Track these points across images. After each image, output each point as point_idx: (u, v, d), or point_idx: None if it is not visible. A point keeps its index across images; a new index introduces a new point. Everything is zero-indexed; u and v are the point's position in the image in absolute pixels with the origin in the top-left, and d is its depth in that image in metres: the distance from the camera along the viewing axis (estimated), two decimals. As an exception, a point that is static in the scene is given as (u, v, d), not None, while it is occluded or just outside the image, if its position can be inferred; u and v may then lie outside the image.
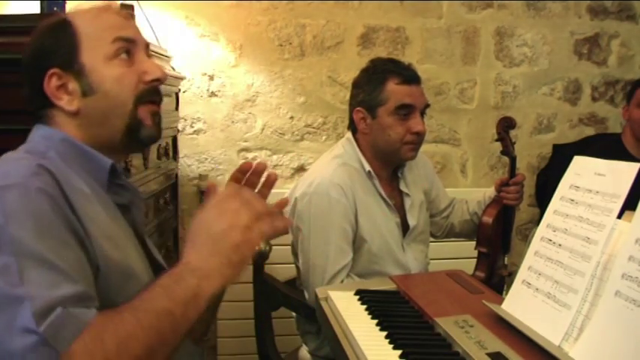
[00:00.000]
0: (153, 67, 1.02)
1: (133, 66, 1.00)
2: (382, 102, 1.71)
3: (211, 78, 2.56)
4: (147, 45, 1.05)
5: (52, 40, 0.98)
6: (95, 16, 1.00)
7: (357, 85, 1.79)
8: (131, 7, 2.17)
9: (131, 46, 1.01)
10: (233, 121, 2.59)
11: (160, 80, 1.03)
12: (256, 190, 1.12)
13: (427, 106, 1.76)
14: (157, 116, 1.04)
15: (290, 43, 2.59)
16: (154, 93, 1.04)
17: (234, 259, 0.86)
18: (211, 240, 0.86)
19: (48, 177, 0.86)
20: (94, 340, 0.75)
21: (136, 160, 1.75)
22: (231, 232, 0.86)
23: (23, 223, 0.79)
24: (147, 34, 2.28)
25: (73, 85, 0.97)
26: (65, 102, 0.97)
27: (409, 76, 1.73)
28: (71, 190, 0.88)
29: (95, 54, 0.97)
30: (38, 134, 0.98)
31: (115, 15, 1.02)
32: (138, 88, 1.00)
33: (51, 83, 0.97)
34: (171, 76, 2.23)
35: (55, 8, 1.67)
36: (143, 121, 1.01)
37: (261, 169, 1.10)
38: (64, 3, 1.73)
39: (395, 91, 1.70)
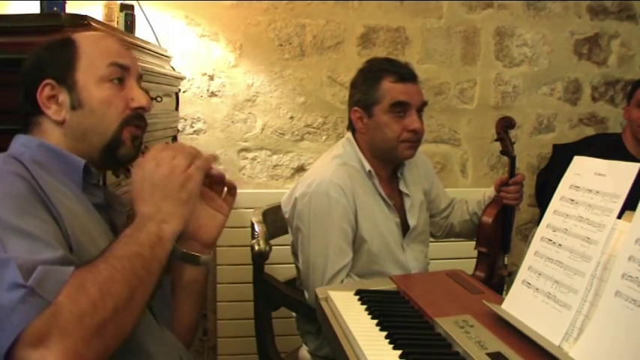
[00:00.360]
0: (140, 96, 1.10)
1: (122, 91, 1.08)
2: (378, 100, 1.71)
3: (211, 78, 2.57)
4: (140, 76, 1.14)
5: (53, 53, 1.06)
6: (98, 40, 1.09)
7: (353, 85, 1.80)
8: (131, 7, 2.18)
9: (124, 73, 1.09)
10: (233, 121, 2.59)
11: (144, 109, 1.11)
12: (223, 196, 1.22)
13: (424, 104, 1.76)
14: (137, 140, 1.12)
15: (290, 43, 2.59)
16: (139, 118, 1.11)
17: (183, 197, 0.98)
18: (157, 188, 0.97)
19: (20, 166, 0.92)
20: (77, 289, 0.79)
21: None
22: (172, 175, 0.97)
23: (1, 202, 0.85)
24: (147, 34, 2.29)
25: (63, 97, 1.04)
26: (53, 111, 1.04)
27: (404, 74, 1.73)
28: (44, 183, 0.93)
29: (89, 73, 1.05)
30: (18, 143, 1.04)
31: (116, 42, 1.11)
32: (124, 113, 1.08)
33: (44, 92, 1.04)
34: (171, 76, 2.23)
35: (55, 8, 1.67)
36: (124, 141, 1.08)
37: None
38: (64, 3, 1.73)
39: (390, 89, 1.70)
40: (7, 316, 0.75)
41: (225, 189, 1.21)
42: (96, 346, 0.78)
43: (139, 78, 1.14)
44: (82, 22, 1.41)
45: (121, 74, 1.08)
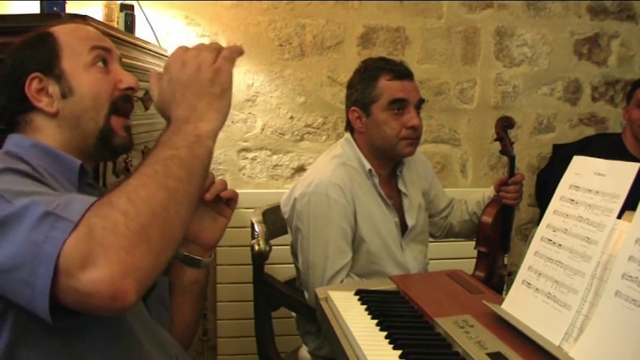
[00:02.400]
0: (127, 77, 1.09)
1: (109, 74, 1.07)
2: (375, 99, 1.71)
3: (211, 78, 2.56)
4: (120, 58, 1.13)
5: (33, 48, 1.04)
6: (74, 29, 1.08)
7: (350, 85, 1.80)
8: (131, 7, 2.18)
9: (107, 55, 1.08)
10: (233, 121, 2.59)
11: (133, 89, 1.09)
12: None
13: (422, 101, 1.76)
14: (128, 129, 1.10)
15: (290, 43, 2.59)
16: (127, 100, 1.09)
17: (216, 91, 0.91)
18: (188, 87, 0.90)
19: (20, 161, 0.91)
20: (104, 205, 0.76)
21: (136, 160, 1.75)
22: (200, 71, 0.91)
23: (2, 180, 0.83)
24: (147, 34, 2.29)
25: (53, 87, 1.03)
26: (45, 104, 1.02)
27: (401, 71, 1.73)
28: (42, 177, 0.92)
29: (75, 61, 1.04)
30: (10, 142, 1.03)
31: (91, 29, 1.10)
32: (113, 95, 1.06)
33: (32, 86, 1.02)
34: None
35: (55, 8, 1.67)
36: (116, 131, 1.06)
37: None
38: (64, 3, 1.73)
39: (387, 86, 1.71)
40: (41, 249, 0.73)
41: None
42: (143, 252, 0.74)
43: (120, 60, 1.13)
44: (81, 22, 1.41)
45: (104, 56, 1.06)
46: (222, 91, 0.91)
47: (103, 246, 0.72)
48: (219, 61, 0.93)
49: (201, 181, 0.87)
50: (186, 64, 0.92)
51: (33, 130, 1.03)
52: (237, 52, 0.97)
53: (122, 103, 1.07)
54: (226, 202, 1.20)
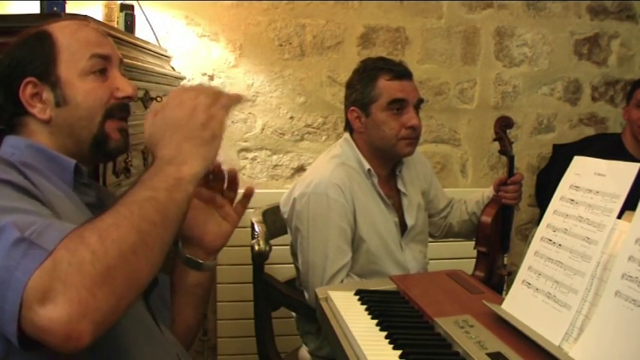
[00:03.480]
0: (125, 85, 1.06)
1: (107, 82, 1.05)
2: (374, 99, 1.71)
3: (211, 78, 2.57)
4: (121, 61, 1.10)
5: (30, 50, 1.02)
6: (74, 31, 1.04)
7: (349, 85, 1.80)
8: (131, 7, 2.18)
9: (106, 63, 1.05)
10: (233, 121, 2.59)
11: (131, 98, 1.07)
12: (225, 184, 1.19)
13: (421, 100, 1.77)
14: (123, 131, 1.08)
15: (290, 43, 2.59)
16: (123, 109, 1.08)
17: (205, 136, 0.90)
18: (178, 129, 0.89)
19: (12, 170, 0.90)
20: (75, 239, 0.75)
21: (136, 160, 1.75)
22: (194, 114, 0.90)
23: None
24: (147, 34, 2.29)
25: (47, 94, 1.01)
26: (38, 110, 1.01)
27: (400, 71, 1.73)
28: (37, 184, 0.91)
29: (71, 67, 1.01)
30: (7, 144, 1.02)
31: (92, 31, 1.07)
32: (108, 103, 1.04)
33: (26, 91, 1.00)
34: (171, 76, 2.23)
35: (55, 8, 1.67)
36: (110, 135, 1.05)
37: (217, 167, 1.15)
38: (64, 3, 1.73)
39: (386, 86, 1.71)
40: (12, 275, 0.72)
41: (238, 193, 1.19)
42: (105, 294, 0.73)
43: (121, 64, 1.10)
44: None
45: (103, 65, 1.04)
46: (211, 138, 0.90)
47: (66, 283, 0.71)
48: (215, 107, 0.92)
49: (176, 227, 0.85)
50: (183, 104, 0.91)
51: (28, 133, 1.03)
52: (236, 101, 0.97)
53: (117, 111, 1.06)
54: (235, 207, 1.19)
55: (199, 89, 0.94)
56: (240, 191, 1.22)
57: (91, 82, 1.02)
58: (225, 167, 1.18)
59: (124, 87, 1.06)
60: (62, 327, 0.70)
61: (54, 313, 0.70)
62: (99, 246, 0.74)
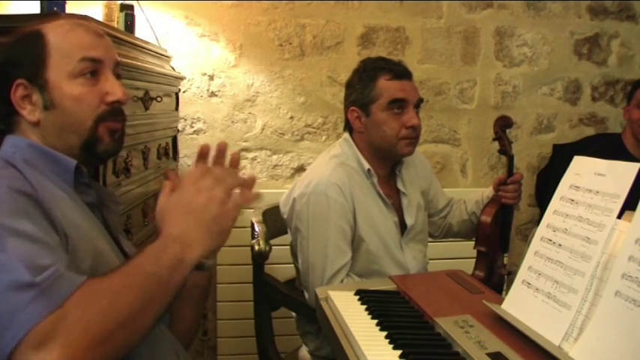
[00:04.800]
0: (115, 89, 1.05)
1: (97, 86, 1.04)
2: (375, 99, 1.71)
3: (211, 78, 2.57)
4: (116, 63, 1.09)
5: (22, 51, 1.02)
6: (68, 32, 1.03)
7: (349, 85, 1.80)
8: (131, 7, 2.18)
9: (97, 67, 1.04)
10: (233, 121, 2.59)
11: (120, 102, 1.06)
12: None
13: (421, 100, 1.77)
14: (116, 133, 1.08)
15: (290, 43, 2.59)
16: (116, 113, 1.07)
17: (214, 229, 0.94)
18: (191, 214, 0.93)
19: (15, 171, 0.92)
20: (87, 296, 0.79)
21: (136, 160, 1.75)
22: (209, 205, 0.93)
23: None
24: (147, 34, 2.29)
25: (36, 97, 1.01)
26: (27, 112, 1.01)
27: (399, 71, 1.73)
28: (38, 184, 0.92)
29: (60, 70, 1.01)
30: (8, 143, 1.02)
31: (86, 32, 1.05)
32: (99, 109, 1.04)
33: (17, 93, 1.01)
34: (171, 76, 2.23)
35: (55, 8, 1.67)
36: (102, 138, 1.05)
37: (222, 147, 1.15)
38: (64, 3, 1.73)
39: (386, 86, 1.71)
40: (15, 316, 0.74)
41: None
42: (99, 355, 0.77)
43: (117, 66, 1.09)
44: (81, 22, 1.41)
45: (93, 68, 1.03)
46: (219, 232, 0.94)
47: (67, 338, 0.75)
48: (230, 204, 0.96)
49: (167, 304, 0.90)
50: (200, 192, 0.94)
51: (21, 132, 1.03)
52: (252, 200, 1.00)
53: (110, 117, 1.05)
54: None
55: (219, 177, 0.97)
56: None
57: (79, 86, 1.02)
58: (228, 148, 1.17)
59: (114, 91, 1.05)
60: None
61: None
62: (108, 309, 0.79)
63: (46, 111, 1.01)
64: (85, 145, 1.04)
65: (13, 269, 0.77)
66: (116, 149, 1.10)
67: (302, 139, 2.65)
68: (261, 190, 2.76)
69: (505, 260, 2.10)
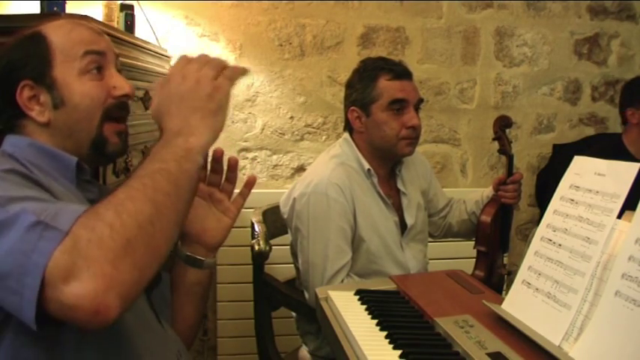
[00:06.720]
0: (122, 83, 1.05)
1: (103, 80, 1.04)
2: (375, 99, 1.72)
3: (211, 78, 2.56)
4: (117, 57, 1.09)
5: (25, 52, 1.01)
6: (68, 31, 1.04)
7: (349, 85, 1.80)
8: (131, 7, 2.18)
9: (101, 60, 1.04)
10: (233, 121, 2.59)
11: (128, 96, 1.06)
12: (223, 178, 1.19)
13: (421, 100, 1.77)
14: (122, 134, 1.08)
15: (290, 43, 2.59)
16: (122, 108, 1.07)
17: (212, 107, 0.90)
18: (184, 101, 0.90)
19: (16, 162, 0.91)
20: (91, 216, 0.75)
21: (136, 160, 1.75)
22: (199, 86, 0.90)
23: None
24: (147, 34, 2.29)
25: (44, 97, 1.01)
26: (36, 113, 1.01)
27: (400, 71, 1.74)
28: (41, 179, 0.90)
29: (67, 68, 1.01)
30: (8, 143, 1.02)
31: (86, 30, 1.06)
32: (106, 103, 1.04)
33: (23, 94, 1.00)
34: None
35: (55, 8, 1.67)
36: (108, 138, 1.05)
37: (219, 154, 1.15)
38: (64, 3, 1.73)
39: (387, 86, 1.71)
40: (29, 259, 0.72)
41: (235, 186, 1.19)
42: (127, 266, 0.73)
43: (117, 61, 1.09)
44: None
45: (98, 62, 1.03)
46: (217, 109, 0.91)
47: (88, 259, 0.71)
48: (220, 78, 0.92)
49: (189, 197, 0.86)
50: (187, 77, 0.91)
51: (27, 134, 1.03)
52: (240, 72, 0.96)
53: (116, 111, 1.06)
54: (233, 200, 1.19)
55: (202, 60, 0.93)
56: (236, 191, 1.21)
57: (87, 82, 1.02)
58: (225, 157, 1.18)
59: (121, 85, 1.05)
60: (90, 302, 0.70)
61: (80, 290, 0.70)
62: (116, 220, 0.75)
63: (55, 110, 1.01)
64: (94, 145, 1.04)
65: (20, 218, 0.75)
66: (124, 150, 1.10)
67: (302, 139, 2.65)
68: (261, 190, 2.77)
69: (505, 260, 2.10)
